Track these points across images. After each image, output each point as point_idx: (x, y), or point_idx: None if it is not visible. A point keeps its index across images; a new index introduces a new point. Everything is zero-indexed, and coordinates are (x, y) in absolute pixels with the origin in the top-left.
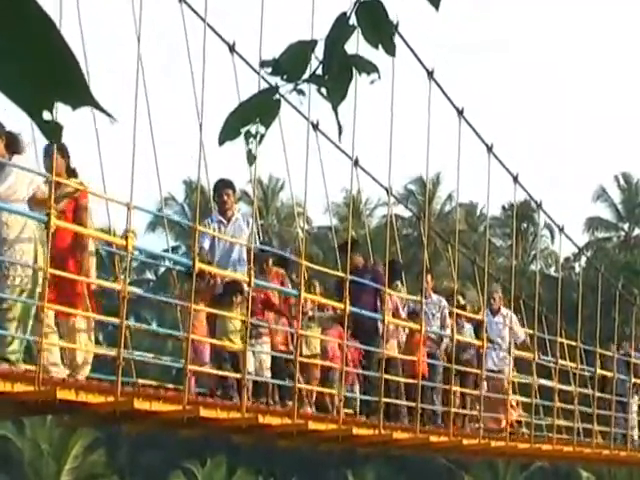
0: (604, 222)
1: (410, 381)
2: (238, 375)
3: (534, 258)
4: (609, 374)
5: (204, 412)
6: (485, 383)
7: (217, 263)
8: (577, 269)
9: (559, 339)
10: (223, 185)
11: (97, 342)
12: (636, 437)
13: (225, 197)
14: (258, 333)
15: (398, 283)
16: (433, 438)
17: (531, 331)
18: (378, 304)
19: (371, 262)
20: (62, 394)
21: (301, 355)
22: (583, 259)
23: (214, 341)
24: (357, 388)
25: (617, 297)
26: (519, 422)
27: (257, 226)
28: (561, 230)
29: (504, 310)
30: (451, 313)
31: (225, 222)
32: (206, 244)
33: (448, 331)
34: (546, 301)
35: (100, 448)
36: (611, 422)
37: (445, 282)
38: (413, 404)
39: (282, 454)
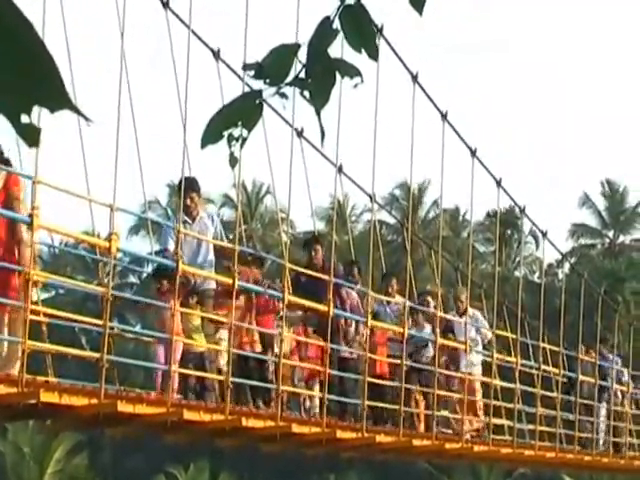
0: (589, 229)
1: (375, 381)
2: (221, 377)
3: (518, 264)
4: (590, 379)
5: (188, 415)
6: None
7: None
8: (560, 275)
9: (542, 344)
10: (187, 185)
11: (80, 346)
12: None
13: (188, 200)
14: (216, 326)
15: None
16: (416, 442)
17: (513, 335)
18: (338, 302)
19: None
20: (46, 396)
21: (276, 356)
22: (567, 265)
23: (187, 340)
24: (317, 387)
25: (600, 303)
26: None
27: (241, 231)
28: (544, 235)
29: (471, 311)
30: (411, 313)
31: (190, 222)
32: (171, 245)
33: (412, 331)
34: (529, 307)
35: (83, 451)
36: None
37: (429, 287)
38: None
39: (265, 459)
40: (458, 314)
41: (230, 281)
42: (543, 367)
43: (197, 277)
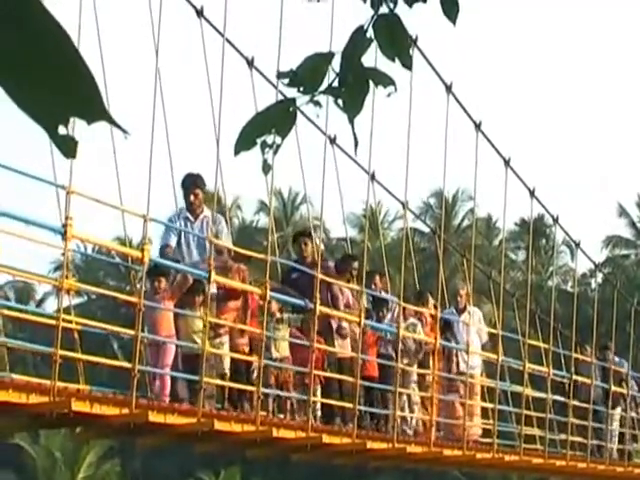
0: (623, 239)
1: (366, 384)
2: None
3: (551, 274)
4: (623, 390)
5: (218, 425)
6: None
7: (184, 262)
8: (593, 285)
9: (574, 354)
10: (191, 182)
11: (112, 351)
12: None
13: (192, 197)
14: (217, 332)
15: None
16: (447, 452)
17: (545, 345)
18: (329, 299)
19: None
20: (77, 405)
21: (270, 359)
22: (600, 276)
23: (182, 343)
24: (319, 392)
25: (632, 313)
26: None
27: (274, 239)
28: (577, 245)
29: (470, 308)
30: (405, 310)
31: (192, 219)
32: (172, 241)
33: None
34: (562, 316)
35: (114, 457)
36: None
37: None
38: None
39: (296, 465)
40: (457, 311)
41: (230, 282)
42: (575, 377)
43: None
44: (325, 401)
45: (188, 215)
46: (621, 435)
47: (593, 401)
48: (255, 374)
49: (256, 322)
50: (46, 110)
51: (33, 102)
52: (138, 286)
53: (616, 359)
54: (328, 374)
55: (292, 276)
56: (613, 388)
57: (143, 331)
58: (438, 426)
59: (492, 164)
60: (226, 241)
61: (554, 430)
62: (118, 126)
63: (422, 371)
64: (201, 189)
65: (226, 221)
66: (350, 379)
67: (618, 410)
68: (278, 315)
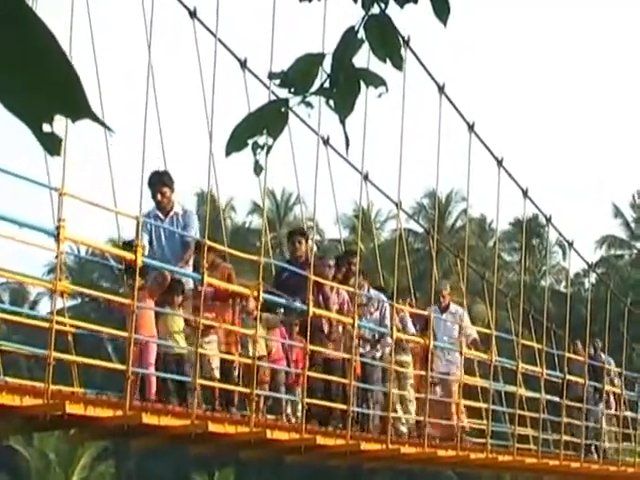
0: (617, 239)
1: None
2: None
3: (545, 274)
4: (617, 390)
5: (212, 427)
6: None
7: (157, 259)
8: (587, 285)
9: (567, 354)
10: (157, 180)
11: (106, 352)
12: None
13: (159, 195)
14: (205, 330)
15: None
16: (440, 452)
17: (539, 346)
18: (321, 300)
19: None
20: (71, 408)
21: (248, 357)
22: (594, 275)
23: (163, 342)
24: (299, 390)
25: (626, 313)
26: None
27: (267, 239)
28: (570, 245)
29: (453, 307)
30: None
31: (162, 217)
32: (144, 240)
33: (388, 330)
34: (555, 316)
35: (108, 458)
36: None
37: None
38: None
39: (290, 467)
40: (440, 310)
41: (226, 285)
42: (568, 377)
43: (174, 275)
44: (310, 401)
45: (158, 213)
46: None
47: (582, 399)
48: (236, 373)
49: (240, 322)
50: (30, 108)
51: (17, 100)
52: (121, 290)
53: (602, 356)
54: (321, 375)
55: (283, 276)
56: (600, 385)
57: (137, 332)
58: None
59: (485, 164)
60: (195, 235)
61: (547, 430)
62: (102, 124)
63: (402, 370)
64: (168, 186)
65: (220, 219)
66: (344, 380)
67: (600, 407)
68: (255, 314)
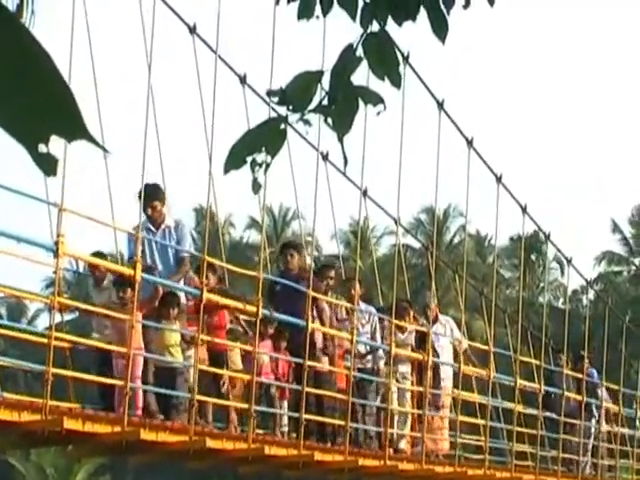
0: (615, 256)
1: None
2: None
3: (543, 290)
4: (615, 407)
5: (210, 443)
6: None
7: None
8: (585, 302)
9: (565, 371)
10: (148, 193)
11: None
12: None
13: (150, 209)
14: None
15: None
16: (438, 469)
17: (537, 362)
18: (315, 314)
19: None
20: (69, 424)
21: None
22: (592, 292)
23: (156, 356)
24: (285, 404)
25: (624, 330)
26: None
27: (266, 254)
28: (569, 262)
29: (442, 318)
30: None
31: (154, 230)
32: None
33: (378, 344)
34: (553, 333)
35: (105, 474)
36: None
37: (452, 312)
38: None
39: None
40: (428, 322)
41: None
42: (566, 394)
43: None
44: (306, 416)
45: (149, 226)
46: (595, 449)
47: (568, 414)
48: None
49: (220, 336)
50: (26, 129)
51: (13, 120)
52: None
53: (589, 370)
54: (312, 389)
55: (276, 289)
56: (587, 399)
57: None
58: (414, 441)
59: (484, 180)
60: (189, 249)
61: (545, 446)
62: (98, 144)
63: (401, 386)
64: (159, 199)
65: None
66: (338, 395)
67: (593, 422)
68: (228, 326)
